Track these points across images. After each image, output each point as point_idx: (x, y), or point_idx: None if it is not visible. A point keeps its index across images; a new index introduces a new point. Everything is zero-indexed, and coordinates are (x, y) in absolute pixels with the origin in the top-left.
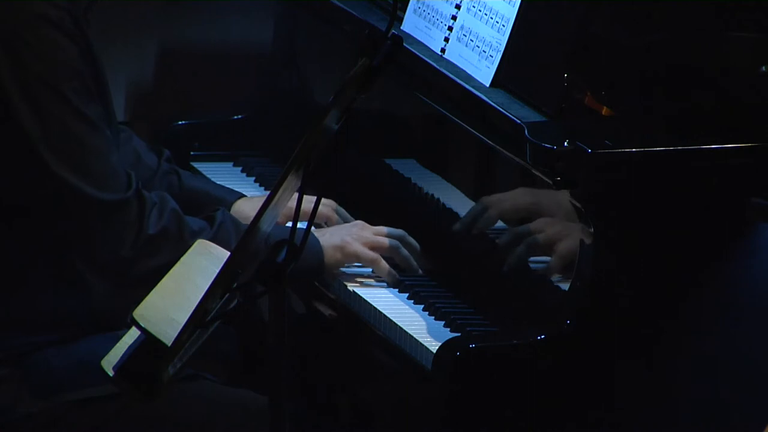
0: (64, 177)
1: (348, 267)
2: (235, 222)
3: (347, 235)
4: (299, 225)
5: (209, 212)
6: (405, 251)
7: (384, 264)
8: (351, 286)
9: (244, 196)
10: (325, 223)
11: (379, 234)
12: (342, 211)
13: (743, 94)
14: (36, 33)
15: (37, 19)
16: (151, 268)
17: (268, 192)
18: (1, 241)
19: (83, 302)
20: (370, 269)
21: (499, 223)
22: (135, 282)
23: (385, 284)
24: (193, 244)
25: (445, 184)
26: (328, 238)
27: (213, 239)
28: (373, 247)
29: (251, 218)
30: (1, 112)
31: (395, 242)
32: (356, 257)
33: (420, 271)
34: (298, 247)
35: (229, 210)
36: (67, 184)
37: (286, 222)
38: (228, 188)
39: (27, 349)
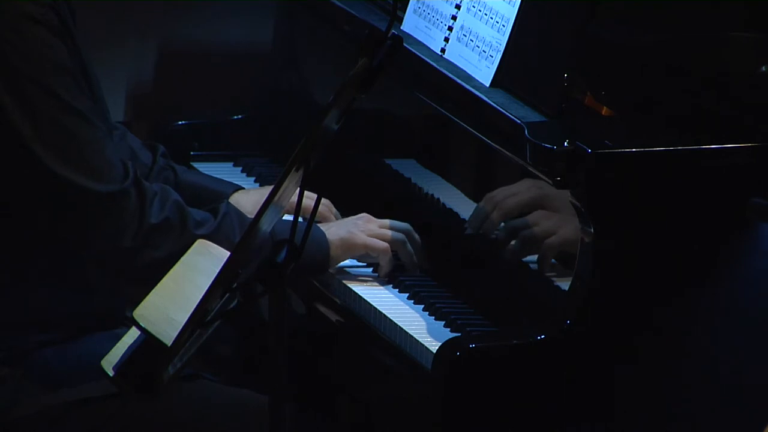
0: (60, 172)
1: (348, 267)
2: (239, 214)
3: (353, 227)
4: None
5: (213, 205)
6: (409, 247)
7: (390, 256)
8: (351, 286)
9: (242, 188)
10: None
11: (384, 227)
12: (336, 212)
13: (743, 94)
14: (21, 31)
15: (21, 18)
16: (155, 259)
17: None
18: (1, 240)
19: (83, 302)
20: (370, 269)
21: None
22: (139, 275)
23: (385, 283)
24: (197, 234)
25: (445, 184)
26: (335, 231)
27: (217, 230)
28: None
29: (248, 211)
30: None
31: (401, 236)
32: (364, 248)
33: (419, 270)
34: (299, 245)
35: None
36: (63, 179)
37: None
38: (225, 181)
39: (27, 349)
